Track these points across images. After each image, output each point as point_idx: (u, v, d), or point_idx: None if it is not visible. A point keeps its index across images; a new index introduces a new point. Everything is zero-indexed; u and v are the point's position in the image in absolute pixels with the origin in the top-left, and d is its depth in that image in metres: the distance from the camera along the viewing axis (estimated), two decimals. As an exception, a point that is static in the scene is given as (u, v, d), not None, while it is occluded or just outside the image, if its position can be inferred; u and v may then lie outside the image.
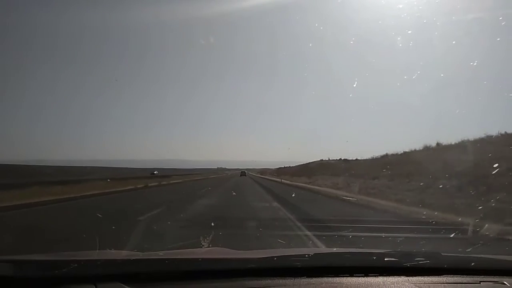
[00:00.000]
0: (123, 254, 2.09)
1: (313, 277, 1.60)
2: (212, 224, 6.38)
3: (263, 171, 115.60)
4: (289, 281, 1.56)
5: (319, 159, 60.05)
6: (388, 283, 1.57)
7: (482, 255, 2.01)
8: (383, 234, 5.85)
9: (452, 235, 5.96)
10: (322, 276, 1.61)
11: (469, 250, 4.48)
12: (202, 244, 4.24)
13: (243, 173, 78.22)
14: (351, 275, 1.64)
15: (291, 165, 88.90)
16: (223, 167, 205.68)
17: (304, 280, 1.57)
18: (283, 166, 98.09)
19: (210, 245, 4.09)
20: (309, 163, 63.30)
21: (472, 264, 1.78)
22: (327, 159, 56.39)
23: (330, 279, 1.60)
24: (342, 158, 49.48)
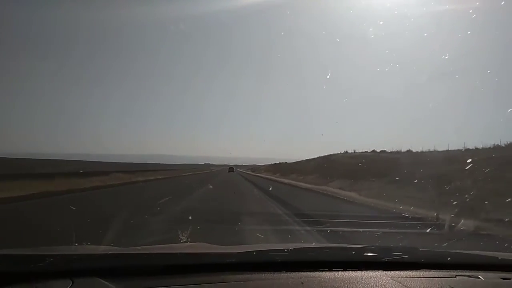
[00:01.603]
0: (100, 249, 2.04)
1: (292, 271, 1.60)
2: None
3: (255, 168, 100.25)
4: (268, 275, 1.55)
5: (343, 151, 41.64)
6: (366, 277, 1.58)
7: (458, 250, 2.06)
8: None
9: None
10: (301, 271, 1.61)
11: (444, 245, 4.59)
12: (181, 238, 4.19)
13: (231, 169, 74.58)
14: (330, 270, 1.64)
15: (287, 161, 71.40)
16: (211, 163, 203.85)
17: (283, 274, 1.57)
18: (278, 162, 79.67)
19: (189, 240, 4.05)
20: (329, 155, 43.23)
21: (449, 258, 1.82)
22: (352, 151, 39.78)
23: (309, 273, 1.60)
24: (377, 150, 34.76)
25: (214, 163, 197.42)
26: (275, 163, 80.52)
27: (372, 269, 1.66)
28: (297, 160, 59.61)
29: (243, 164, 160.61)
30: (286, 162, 72.02)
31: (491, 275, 1.68)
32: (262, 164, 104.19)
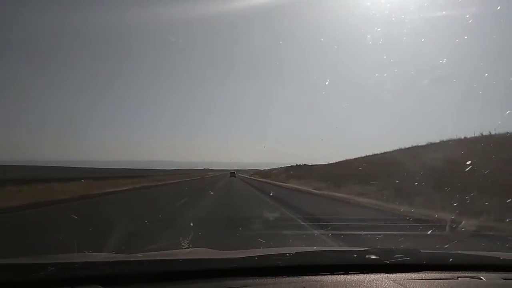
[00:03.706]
0: (101, 256, 2.04)
1: (294, 275, 1.59)
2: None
3: (262, 173, 75.47)
4: (270, 280, 1.55)
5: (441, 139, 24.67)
6: (368, 280, 1.58)
7: (459, 251, 2.06)
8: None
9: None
10: (303, 275, 1.61)
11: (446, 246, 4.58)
12: (182, 244, 4.17)
13: (232, 173, 69.21)
14: (332, 273, 1.64)
15: (306, 163, 54.66)
16: (210, 168, 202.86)
17: (285, 279, 1.57)
18: (295, 165, 58.27)
19: (191, 246, 4.04)
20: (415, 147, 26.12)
21: (450, 260, 1.82)
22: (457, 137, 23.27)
23: (311, 278, 1.59)
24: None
25: (214, 168, 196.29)
26: (291, 166, 59.33)
27: (374, 272, 1.66)
28: (334, 161, 40.39)
29: (244, 169, 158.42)
30: (305, 164, 52.55)
31: (493, 275, 1.68)
32: (268, 168, 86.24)
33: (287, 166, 63.06)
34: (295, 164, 59.59)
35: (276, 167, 78.33)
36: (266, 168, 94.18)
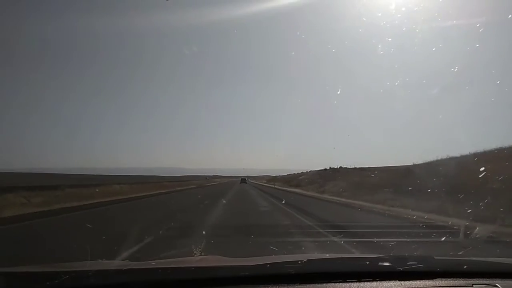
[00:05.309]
0: (115, 264, 2.06)
1: (307, 283, 1.59)
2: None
3: (285, 181, 58.65)
4: (282, 287, 1.54)
5: None
6: (381, 287, 1.56)
7: (474, 258, 2.02)
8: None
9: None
10: (315, 282, 1.60)
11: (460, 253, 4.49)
12: (195, 252, 4.19)
13: (243, 180, 64.69)
14: (344, 281, 1.63)
15: (342, 166, 40.33)
16: (220, 174, 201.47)
17: (298, 287, 1.56)
18: (328, 168, 43.85)
19: (203, 253, 4.05)
20: None
21: (465, 267, 1.79)
22: None
23: (324, 285, 1.59)
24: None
25: (224, 175, 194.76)
26: (325, 170, 45.10)
27: (387, 279, 1.64)
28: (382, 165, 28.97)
29: (255, 175, 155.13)
30: (341, 167, 40.25)
31: (509, 282, 1.65)
32: (286, 174, 71.88)
33: (318, 170, 47.43)
34: (328, 168, 44.55)
35: (289, 173, 69.56)
36: (280, 174, 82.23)
